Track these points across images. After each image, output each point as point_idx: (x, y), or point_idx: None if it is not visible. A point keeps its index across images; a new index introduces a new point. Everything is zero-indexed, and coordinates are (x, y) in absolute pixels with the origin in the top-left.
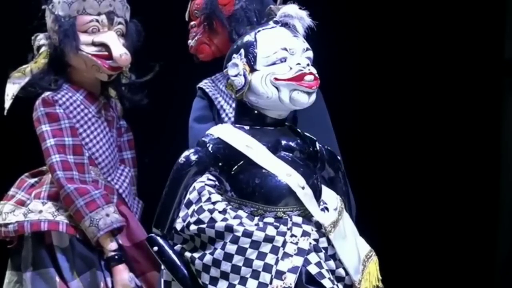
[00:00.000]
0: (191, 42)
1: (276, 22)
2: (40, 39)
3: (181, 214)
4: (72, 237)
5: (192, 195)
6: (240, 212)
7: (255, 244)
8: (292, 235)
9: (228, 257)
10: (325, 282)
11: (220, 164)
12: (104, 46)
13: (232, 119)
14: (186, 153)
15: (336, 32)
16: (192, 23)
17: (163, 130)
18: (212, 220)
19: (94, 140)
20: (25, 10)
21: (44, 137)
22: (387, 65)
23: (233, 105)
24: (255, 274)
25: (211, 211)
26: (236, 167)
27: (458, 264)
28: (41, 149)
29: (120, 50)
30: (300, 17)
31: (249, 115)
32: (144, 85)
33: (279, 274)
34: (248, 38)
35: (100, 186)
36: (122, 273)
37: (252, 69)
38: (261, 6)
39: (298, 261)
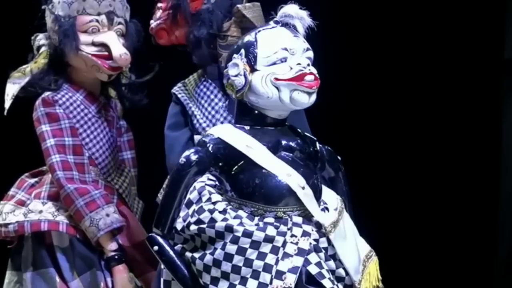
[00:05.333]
0: (153, 23)
1: (277, 22)
2: (40, 39)
3: (182, 214)
4: (72, 237)
5: (192, 195)
6: (240, 212)
7: (255, 244)
8: (292, 235)
9: (228, 257)
10: (325, 282)
11: (220, 164)
12: (104, 46)
13: (203, 124)
14: (186, 153)
15: (337, 32)
16: (159, 4)
17: (163, 130)
18: (212, 220)
19: (94, 140)
20: (25, 10)
21: (44, 137)
22: (387, 64)
23: (203, 111)
24: (255, 274)
25: (211, 211)
26: (236, 167)
27: (458, 264)
28: (41, 149)
29: (120, 50)
30: (301, 17)
31: (249, 115)
32: (144, 85)
33: (279, 274)
34: (248, 38)
35: (100, 186)
36: (122, 273)
37: (253, 69)
38: (227, 13)
39: (298, 261)
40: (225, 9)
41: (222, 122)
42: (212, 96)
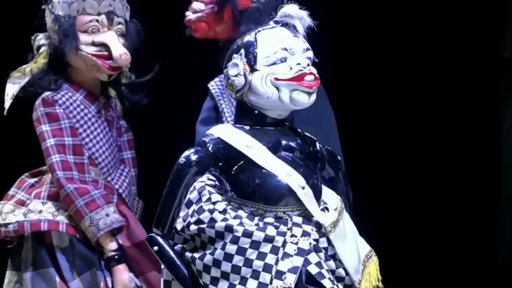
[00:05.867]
0: (190, 15)
1: (277, 22)
2: (40, 39)
3: (182, 214)
4: (72, 237)
5: (192, 195)
6: (240, 212)
7: (255, 244)
8: (292, 235)
9: (228, 257)
10: (325, 282)
11: (220, 164)
12: (104, 46)
13: (231, 122)
14: (186, 153)
15: (336, 31)
16: None
17: (163, 130)
18: (212, 220)
19: (94, 140)
20: (25, 10)
21: (44, 137)
22: (387, 64)
23: (231, 108)
24: (255, 274)
25: (211, 211)
26: (236, 167)
27: (458, 264)
28: (41, 149)
29: (120, 50)
30: (300, 17)
31: (249, 115)
32: (144, 85)
33: (279, 274)
34: (248, 38)
35: (100, 186)
36: (122, 273)
37: (252, 69)
38: (275, 12)
39: (298, 261)
40: (272, 10)
41: None
42: None
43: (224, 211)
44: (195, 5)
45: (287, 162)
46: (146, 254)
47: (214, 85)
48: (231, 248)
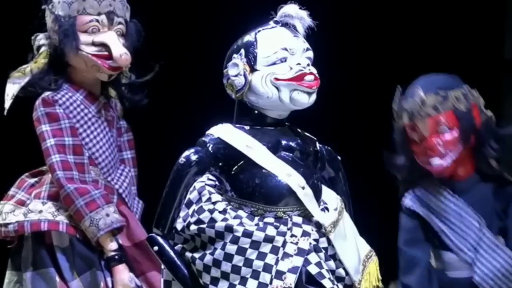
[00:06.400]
0: (441, 162)
1: (277, 22)
2: (40, 39)
3: (182, 214)
4: (72, 237)
5: (192, 195)
6: (240, 212)
7: (255, 244)
8: (292, 235)
9: (228, 257)
10: (325, 282)
11: (220, 164)
12: (104, 46)
13: (456, 241)
14: (186, 153)
15: (336, 31)
16: (435, 139)
17: (163, 130)
18: (212, 220)
19: (94, 140)
20: (25, 10)
21: (44, 137)
22: (387, 64)
23: (454, 228)
24: (255, 274)
25: (211, 211)
26: (236, 167)
27: None
28: (41, 149)
29: (120, 50)
30: (301, 17)
31: (249, 115)
32: (144, 85)
33: (279, 274)
34: (248, 38)
35: (100, 186)
36: (122, 273)
37: (252, 69)
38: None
39: (298, 261)
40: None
41: (476, 239)
42: (462, 213)
43: (224, 211)
44: (435, 149)
45: (287, 162)
46: (146, 254)
47: (413, 204)
48: (231, 248)
